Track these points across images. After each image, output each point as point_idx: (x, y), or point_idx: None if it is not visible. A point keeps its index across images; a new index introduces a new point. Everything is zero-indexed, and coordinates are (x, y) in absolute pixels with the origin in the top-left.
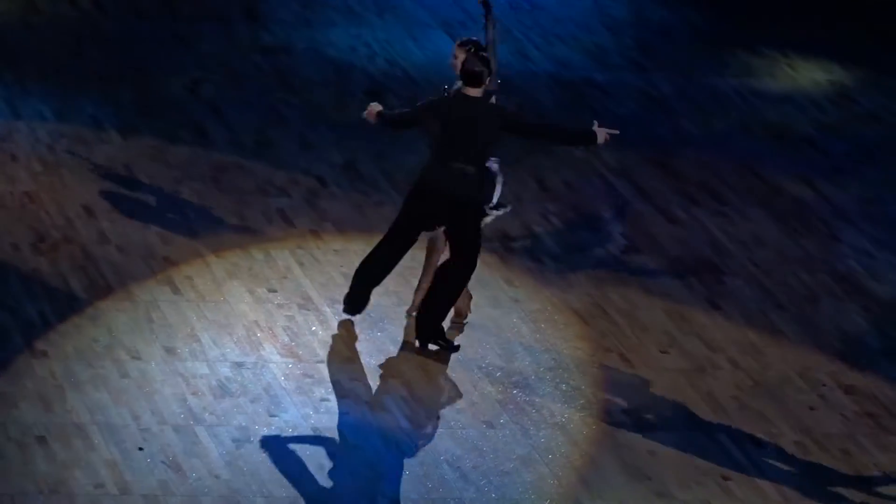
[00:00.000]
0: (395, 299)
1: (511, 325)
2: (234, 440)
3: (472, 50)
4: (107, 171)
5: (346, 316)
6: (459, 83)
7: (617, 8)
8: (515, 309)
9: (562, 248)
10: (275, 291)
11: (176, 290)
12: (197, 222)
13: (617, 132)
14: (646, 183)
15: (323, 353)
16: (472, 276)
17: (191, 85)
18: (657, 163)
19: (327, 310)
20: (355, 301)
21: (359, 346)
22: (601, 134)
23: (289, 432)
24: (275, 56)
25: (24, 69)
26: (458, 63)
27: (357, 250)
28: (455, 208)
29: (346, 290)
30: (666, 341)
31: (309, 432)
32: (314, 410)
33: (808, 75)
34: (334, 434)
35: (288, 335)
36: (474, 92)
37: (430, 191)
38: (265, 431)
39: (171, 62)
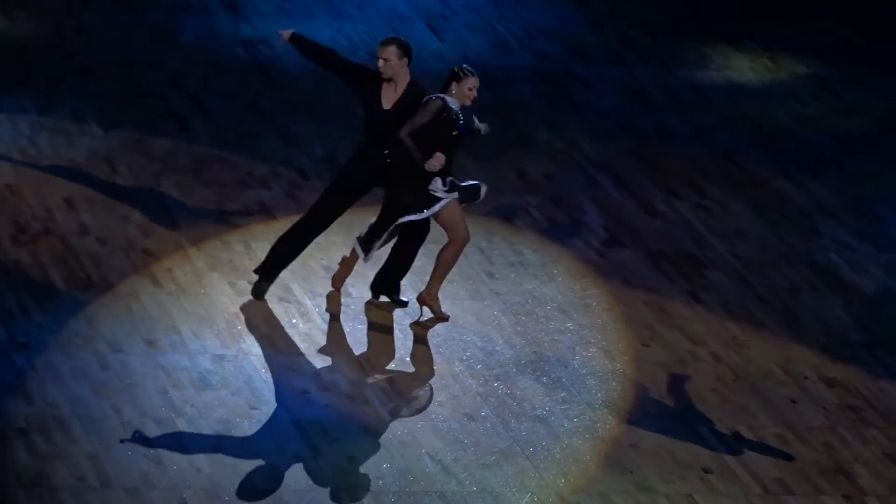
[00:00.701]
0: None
1: (492, 318)
2: (215, 432)
3: None
4: (88, 163)
5: (325, 308)
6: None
7: (598, 1)
8: (497, 302)
9: (542, 240)
10: None
11: (156, 283)
12: (178, 214)
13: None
14: (627, 176)
15: (304, 346)
16: (454, 269)
17: (172, 77)
18: (638, 156)
19: (308, 302)
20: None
21: (339, 338)
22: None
23: (270, 425)
24: (255, 48)
25: (5, 61)
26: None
27: (338, 242)
28: None
29: (326, 283)
30: (647, 334)
31: (290, 425)
32: (295, 403)
33: (790, 68)
34: (315, 427)
35: (268, 327)
36: None
37: None
38: (246, 424)
39: (153, 55)
